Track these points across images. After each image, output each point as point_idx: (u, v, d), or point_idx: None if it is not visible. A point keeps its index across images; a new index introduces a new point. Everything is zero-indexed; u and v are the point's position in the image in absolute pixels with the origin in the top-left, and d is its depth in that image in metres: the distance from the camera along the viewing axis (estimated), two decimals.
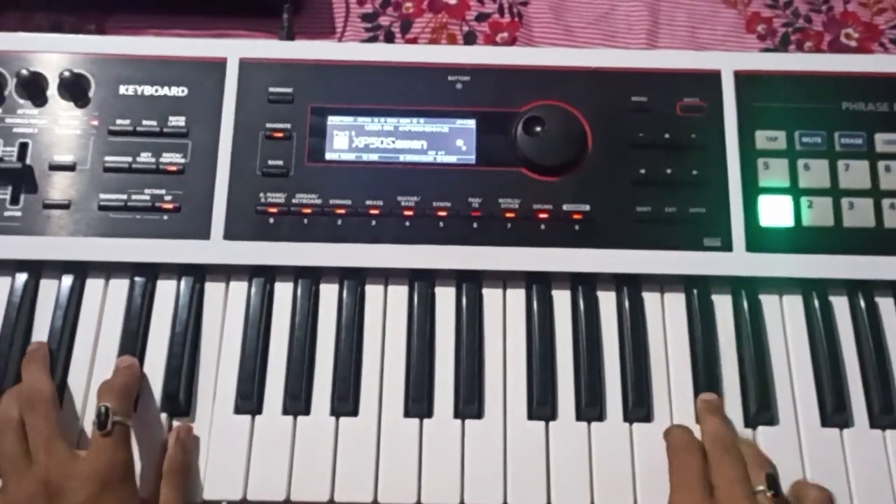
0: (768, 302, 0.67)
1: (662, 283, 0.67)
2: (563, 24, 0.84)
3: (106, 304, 0.66)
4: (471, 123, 0.69)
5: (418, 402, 0.63)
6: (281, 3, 0.78)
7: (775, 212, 0.67)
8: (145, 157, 0.67)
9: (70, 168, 0.67)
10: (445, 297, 0.67)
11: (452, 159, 0.68)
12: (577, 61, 0.70)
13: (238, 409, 0.63)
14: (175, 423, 0.62)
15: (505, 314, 0.66)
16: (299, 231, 0.66)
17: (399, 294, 0.67)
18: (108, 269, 0.67)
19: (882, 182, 0.68)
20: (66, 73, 0.68)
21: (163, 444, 0.61)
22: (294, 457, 0.61)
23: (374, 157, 0.68)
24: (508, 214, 0.67)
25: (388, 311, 0.66)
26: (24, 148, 0.67)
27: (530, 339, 0.65)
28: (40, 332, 0.65)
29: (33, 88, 0.68)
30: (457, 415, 0.63)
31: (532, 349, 0.65)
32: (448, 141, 0.68)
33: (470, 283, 0.67)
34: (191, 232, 0.66)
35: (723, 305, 0.67)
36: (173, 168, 0.67)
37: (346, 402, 0.63)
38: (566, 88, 0.70)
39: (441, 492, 0.61)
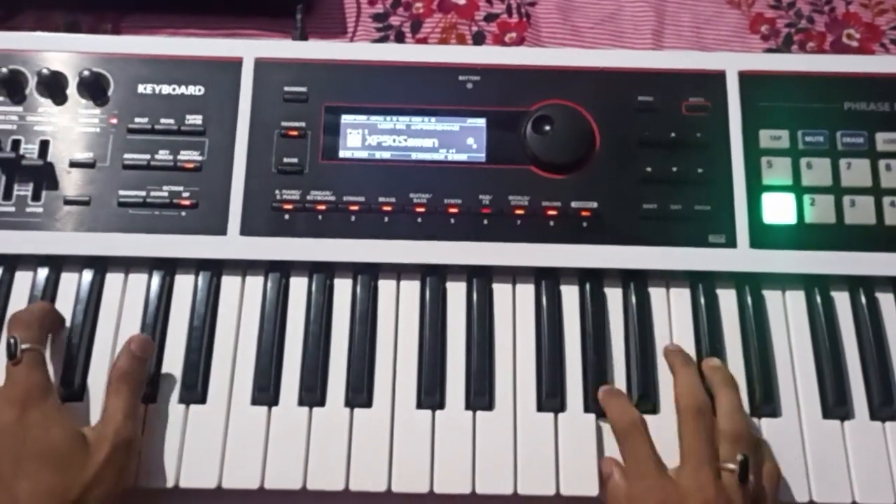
0: (771, 297, 0.69)
1: (668, 278, 0.69)
2: (571, 24, 0.86)
3: (125, 298, 0.67)
4: (481, 122, 0.70)
5: (431, 394, 0.64)
6: (294, 4, 0.80)
7: (779, 209, 0.68)
8: (163, 155, 0.69)
9: (90, 165, 0.68)
10: (456, 292, 0.68)
11: (463, 157, 0.70)
12: (585, 61, 0.72)
13: (255, 401, 0.64)
14: (191, 412, 0.64)
15: (514, 309, 0.68)
16: (314, 227, 0.68)
17: (411, 289, 0.68)
18: (128, 264, 0.68)
19: (883, 180, 0.69)
20: (86, 73, 0.69)
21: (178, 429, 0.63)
22: (309, 447, 0.63)
23: (386, 154, 0.70)
24: (518, 211, 0.68)
25: (400, 305, 0.68)
26: (44, 145, 0.69)
27: (539, 333, 0.67)
28: None
29: (54, 87, 0.70)
30: (468, 406, 0.64)
31: (541, 343, 0.67)
32: (459, 139, 0.70)
33: (480, 278, 0.68)
34: (208, 228, 0.67)
35: (727, 300, 0.68)
36: (191, 165, 0.69)
37: (360, 393, 0.64)
38: (574, 88, 0.71)
39: (453, 481, 0.62)
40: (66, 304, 0.67)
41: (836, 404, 0.65)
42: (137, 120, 0.70)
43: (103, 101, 0.70)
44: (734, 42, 0.86)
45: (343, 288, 0.68)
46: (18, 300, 0.67)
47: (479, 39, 0.85)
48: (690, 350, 0.67)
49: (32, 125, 0.69)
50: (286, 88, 0.71)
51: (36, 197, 0.68)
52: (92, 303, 0.67)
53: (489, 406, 0.64)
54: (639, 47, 0.84)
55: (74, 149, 0.69)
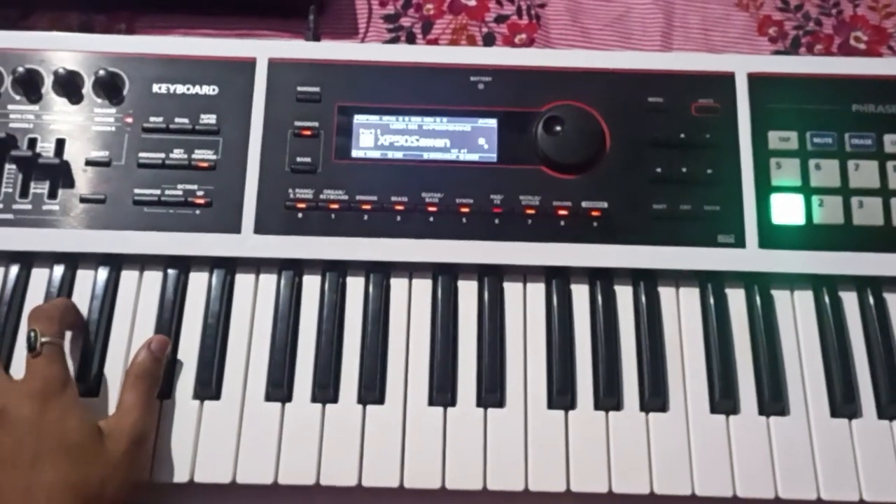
0: (780, 297, 0.69)
1: (678, 278, 0.69)
2: (580, 26, 0.86)
3: (140, 295, 0.68)
4: (492, 123, 0.71)
5: (442, 392, 0.65)
6: (306, 5, 0.80)
7: (787, 210, 0.69)
8: (178, 154, 0.70)
9: (105, 164, 0.69)
10: (468, 291, 0.69)
11: (475, 157, 0.70)
12: (596, 63, 0.73)
13: (269, 397, 0.65)
14: (206, 408, 0.65)
15: (525, 307, 0.69)
16: (327, 226, 0.68)
17: (423, 287, 0.69)
18: (143, 262, 0.69)
19: (891, 182, 0.70)
20: (102, 72, 0.70)
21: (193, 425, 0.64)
22: (323, 443, 0.63)
23: (398, 154, 0.70)
24: (529, 211, 0.69)
25: (412, 303, 0.68)
26: (60, 144, 0.70)
27: (550, 331, 0.68)
28: None
29: (70, 87, 0.71)
30: (479, 403, 0.65)
31: (551, 341, 0.67)
32: (470, 139, 0.71)
33: (491, 277, 0.69)
34: (222, 226, 0.68)
35: (736, 300, 0.69)
36: (205, 164, 0.69)
37: (372, 390, 0.65)
38: (585, 89, 0.72)
39: (465, 477, 0.63)
40: (81, 302, 0.67)
41: (843, 403, 0.65)
42: (152, 119, 0.70)
43: (118, 100, 0.71)
44: (742, 44, 0.86)
45: (356, 286, 0.69)
46: (35, 297, 0.67)
47: (489, 41, 0.86)
48: (699, 349, 0.67)
49: (49, 124, 0.70)
50: (299, 88, 0.71)
51: (52, 195, 0.68)
52: (107, 300, 0.67)
53: (500, 403, 0.65)
54: (647, 49, 0.85)
55: (90, 147, 0.70)
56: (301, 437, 0.64)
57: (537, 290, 0.69)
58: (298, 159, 0.70)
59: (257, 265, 0.69)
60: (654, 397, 0.65)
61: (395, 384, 0.66)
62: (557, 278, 0.69)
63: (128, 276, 0.69)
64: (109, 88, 0.71)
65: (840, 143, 0.70)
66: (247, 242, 0.68)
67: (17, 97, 0.71)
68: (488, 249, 0.68)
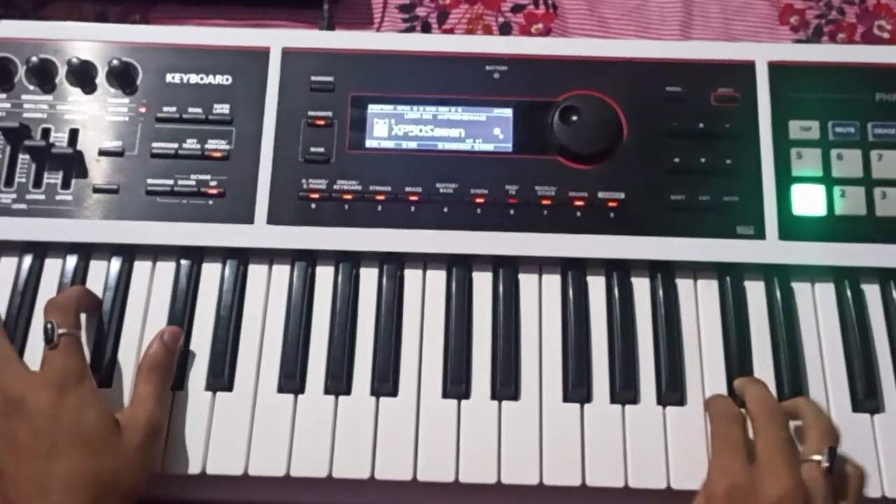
0: (800, 289, 0.68)
1: (696, 269, 0.69)
2: (598, 15, 0.85)
3: (153, 285, 0.68)
4: (508, 112, 0.70)
5: (456, 384, 0.64)
6: None
7: (808, 201, 0.68)
8: (191, 144, 0.69)
9: (118, 154, 0.69)
10: (483, 282, 0.68)
11: (490, 147, 0.70)
12: (613, 52, 0.72)
13: (281, 388, 0.65)
14: (218, 399, 0.64)
15: (541, 299, 0.68)
16: (340, 216, 0.68)
17: (437, 279, 0.68)
18: (156, 252, 0.69)
19: None
20: (115, 62, 0.70)
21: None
22: (335, 435, 0.63)
23: (413, 144, 0.70)
24: (544, 201, 0.68)
25: (426, 295, 0.68)
26: (74, 134, 0.69)
27: (565, 323, 0.67)
28: None
29: (83, 76, 0.70)
30: (494, 396, 0.64)
31: (567, 333, 0.66)
32: (485, 129, 0.70)
33: (507, 268, 0.68)
34: (235, 216, 0.68)
35: (755, 292, 0.68)
36: (218, 154, 0.69)
37: (386, 382, 0.64)
38: (602, 78, 0.71)
39: (478, 470, 0.62)
40: (94, 292, 0.67)
41: (865, 398, 0.64)
42: (166, 109, 0.70)
43: (132, 90, 0.71)
44: (763, 33, 0.85)
45: (369, 277, 0.68)
46: (48, 287, 0.67)
47: (505, 30, 0.85)
48: (718, 342, 0.66)
49: (62, 114, 0.70)
50: (313, 78, 0.71)
51: (65, 185, 0.68)
52: (120, 290, 0.67)
53: (515, 396, 0.64)
54: (666, 38, 0.84)
55: (103, 137, 0.69)
56: (314, 429, 0.63)
57: (553, 281, 0.68)
58: (312, 149, 0.69)
59: (270, 256, 0.69)
60: (672, 390, 0.64)
61: (409, 376, 0.65)
62: (573, 270, 0.68)
63: (141, 267, 0.68)
64: (123, 78, 0.70)
65: (863, 133, 0.69)
66: (260, 233, 0.68)
67: (31, 87, 0.70)
68: (503, 240, 0.67)
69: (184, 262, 0.68)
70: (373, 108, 0.70)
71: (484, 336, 0.66)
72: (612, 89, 0.70)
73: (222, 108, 0.70)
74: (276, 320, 0.67)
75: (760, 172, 0.69)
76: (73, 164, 0.69)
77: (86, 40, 0.72)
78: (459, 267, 0.68)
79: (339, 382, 0.64)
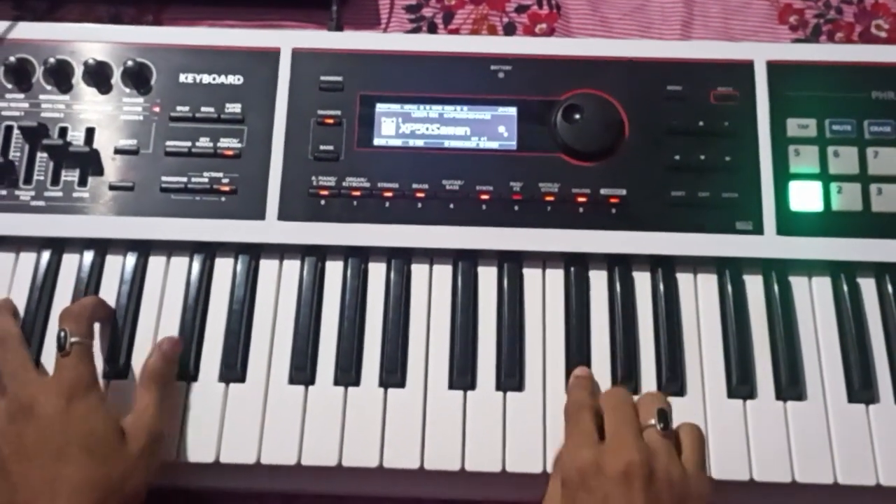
0: (798, 283, 0.69)
1: (696, 264, 0.70)
2: (600, 15, 0.87)
3: (167, 280, 0.70)
4: (512, 111, 0.72)
5: (462, 375, 0.66)
6: None
7: (805, 197, 0.69)
8: (204, 142, 0.71)
9: (133, 152, 0.71)
10: (488, 277, 0.70)
11: (494, 145, 0.71)
12: (615, 51, 0.73)
13: (292, 380, 0.66)
14: (231, 390, 0.66)
15: (544, 293, 0.69)
16: (349, 212, 0.70)
17: (444, 273, 0.70)
18: (170, 248, 0.70)
19: None
20: (130, 63, 0.72)
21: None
22: (345, 425, 0.65)
23: (419, 142, 0.71)
24: (548, 198, 0.70)
25: (433, 289, 0.69)
26: (90, 133, 0.71)
27: (568, 317, 0.68)
28: None
29: (99, 77, 0.72)
30: (499, 387, 0.66)
31: (570, 326, 0.68)
32: (490, 127, 0.72)
33: (511, 263, 0.70)
34: (247, 213, 0.70)
35: (754, 286, 0.69)
36: (230, 152, 0.71)
37: (394, 374, 0.66)
38: (604, 78, 0.72)
39: (483, 460, 0.64)
40: (110, 287, 0.69)
41: (861, 389, 0.65)
42: (179, 108, 0.72)
43: (146, 90, 0.72)
44: (762, 32, 0.86)
45: (377, 272, 0.70)
46: (65, 282, 0.69)
47: (509, 30, 0.87)
48: (717, 336, 0.68)
49: (79, 113, 0.72)
50: (322, 78, 0.72)
51: (82, 182, 0.70)
52: (136, 285, 0.69)
53: (519, 387, 0.66)
54: (667, 38, 0.85)
55: (119, 136, 0.71)
56: (324, 419, 0.65)
57: (556, 276, 0.70)
58: (321, 147, 0.71)
59: (281, 251, 0.70)
60: (672, 382, 0.66)
61: (416, 368, 0.67)
62: (576, 264, 0.70)
63: (155, 262, 0.70)
64: (137, 78, 0.72)
65: (859, 131, 0.71)
66: (271, 229, 0.69)
67: (49, 87, 0.72)
68: (508, 236, 0.69)
69: (197, 257, 0.70)
70: (381, 107, 0.72)
71: (489, 329, 0.68)
72: (614, 88, 0.72)
73: (234, 108, 0.72)
74: (287, 314, 0.68)
75: (759, 169, 0.70)
76: (90, 163, 0.70)
77: (101, 42, 0.74)
78: (465, 262, 0.70)
79: (348, 374, 0.66)
